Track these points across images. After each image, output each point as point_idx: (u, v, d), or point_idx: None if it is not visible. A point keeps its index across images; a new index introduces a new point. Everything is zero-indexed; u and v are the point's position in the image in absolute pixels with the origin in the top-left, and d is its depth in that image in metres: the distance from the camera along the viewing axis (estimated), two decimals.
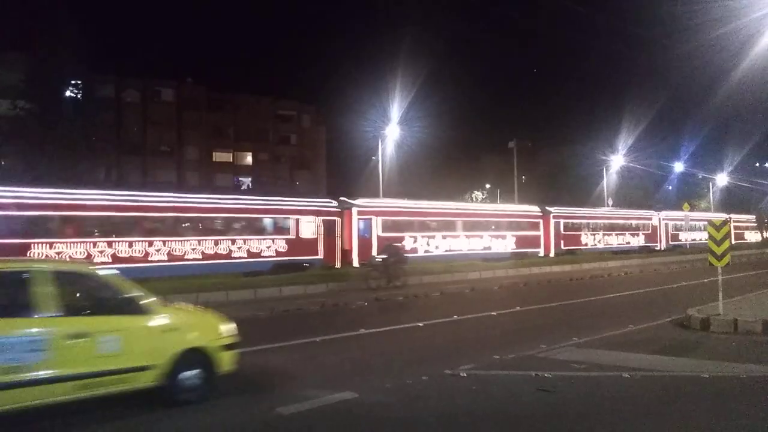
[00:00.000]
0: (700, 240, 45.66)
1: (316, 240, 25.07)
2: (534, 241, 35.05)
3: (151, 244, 20.56)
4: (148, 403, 6.47)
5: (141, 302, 6.47)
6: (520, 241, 33.93)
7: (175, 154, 58.21)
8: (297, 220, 24.59)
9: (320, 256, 25.14)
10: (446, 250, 30.11)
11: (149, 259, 20.27)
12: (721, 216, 43.69)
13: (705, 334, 10.43)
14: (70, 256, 18.67)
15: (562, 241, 36.68)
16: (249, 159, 62.53)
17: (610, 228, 41.24)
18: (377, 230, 27.38)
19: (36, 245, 18.21)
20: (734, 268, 20.24)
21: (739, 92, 43.44)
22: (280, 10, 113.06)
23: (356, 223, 27.06)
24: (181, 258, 20.99)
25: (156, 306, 6.60)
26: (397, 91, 39.07)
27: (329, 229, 25.77)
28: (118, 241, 19.94)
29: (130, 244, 20.11)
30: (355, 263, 26.17)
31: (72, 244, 18.94)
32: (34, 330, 5.63)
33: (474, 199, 69.49)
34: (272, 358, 9.12)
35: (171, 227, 21.54)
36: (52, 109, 31.89)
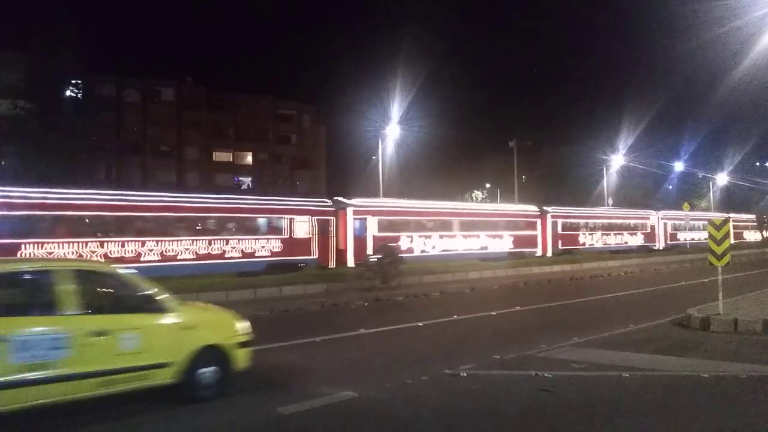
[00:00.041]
0: (699, 239, 45.69)
1: (310, 240, 24.97)
2: (531, 241, 34.96)
3: (143, 244, 20.44)
4: (147, 403, 6.49)
5: (159, 300, 6.62)
6: (518, 241, 33.81)
7: (175, 154, 58.23)
8: (291, 220, 24.48)
9: (314, 256, 25.03)
10: (442, 250, 30.01)
11: (141, 259, 20.13)
12: (720, 215, 43.64)
13: (705, 333, 10.41)
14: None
15: (559, 241, 36.60)
16: (249, 159, 62.53)
17: (608, 228, 41.16)
18: (373, 230, 27.26)
19: (26, 245, 18.05)
20: (734, 268, 20.23)
21: (739, 91, 43.43)
22: (280, 10, 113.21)
23: (351, 223, 26.91)
24: (174, 258, 20.83)
25: (174, 304, 6.74)
26: (397, 90, 39.11)
27: (324, 228, 25.66)
28: (110, 241, 19.79)
29: (122, 244, 20.00)
30: (351, 263, 26.01)
31: (62, 244, 18.74)
32: (57, 328, 5.75)
33: (474, 198, 69.57)
34: (272, 357, 9.12)
35: (163, 227, 21.39)
36: (52, 109, 31.94)
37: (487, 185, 73.05)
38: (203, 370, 6.65)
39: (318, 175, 64.83)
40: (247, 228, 23.60)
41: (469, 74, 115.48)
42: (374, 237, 26.84)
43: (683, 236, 46.36)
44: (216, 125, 59.77)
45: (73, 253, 18.74)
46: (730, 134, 67.72)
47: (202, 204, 22.84)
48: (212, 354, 6.75)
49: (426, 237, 29.67)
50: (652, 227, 44.58)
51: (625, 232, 42.30)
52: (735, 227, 48.55)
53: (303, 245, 24.72)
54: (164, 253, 20.77)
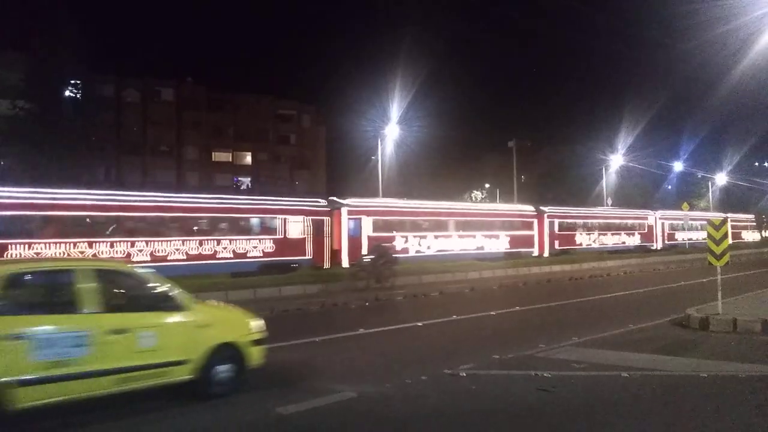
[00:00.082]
0: (697, 239, 45.68)
1: (304, 240, 24.84)
2: (528, 241, 34.86)
3: (133, 244, 20.29)
4: (145, 403, 6.50)
5: (176, 299, 6.76)
6: (514, 241, 33.73)
7: (174, 154, 58.20)
8: (284, 220, 24.34)
9: (308, 256, 24.88)
10: (438, 251, 29.90)
11: (131, 260, 19.90)
12: (718, 215, 43.65)
13: (704, 333, 10.43)
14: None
15: (556, 241, 36.50)
16: (249, 159, 62.50)
17: (606, 228, 41.09)
18: (367, 230, 27.14)
19: (13, 246, 17.89)
20: (733, 268, 20.26)
21: (738, 91, 43.54)
22: (280, 10, 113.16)
23: (346, 223, 26.77)
24: (165, 258, 20.59)
25: (191, 302, 6.89)
26: (396, 90, 39.09)
27: (318, 229, 25.50)
28: (99, 242, 19.61)
29: (111, 245, 19.81)
30: (345, 263, 25.85)
31: (51, 245, 18.55)
32: (78, 326, 5.89)
33: (474, 198, 69.55)
34: (272, 357, 9.07)
35: (154, 227, 21.26)
36: (52, 109, 31.89)
37: (487, 185, 73.01)
38: (219, 367, 6.79)
39: (318, 175, 64.80)
40: (240, 228, 23.45)
41: (469, 74, 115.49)
42: (369, 237, 26.73)
43: (681, 236, 46.36)
44: (216, 125, 59.75)
45: (62, 253, 18.53)
46: (730, 134, 67.85)
47: (193, 204, 22.68)
48: (227, 351, 6.89)
49: (421, 237, 29.55)
50: (650, 227, 44.54)
51: (622, 232, 42.26)
52: (733, 227, 48.53)
53: (297, 245, 24.57)
54: (154, 253, 20.59)
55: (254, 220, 24.14)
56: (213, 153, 60.31)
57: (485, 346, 9.86)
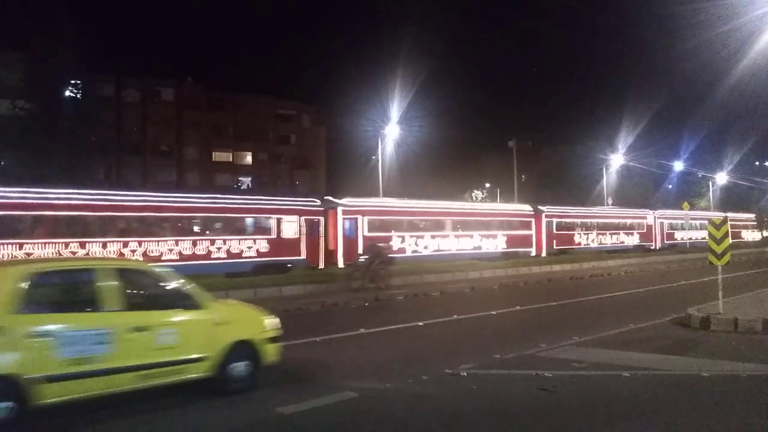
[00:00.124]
0: (696, 239, 45.63)
1: (298, 240, 24.62)
2: (526, 241, 34.69)
3: (125, 244, 20.05)
4: (145, 403, 6.48)
5: (195, 297, 6.92)
6: (512, 241, 33.56)
7: (175, 154, 58.24)
8: (278, 220, 24.11)
9: (303, 256, 24.64)
10: (435, 250, 29.73)
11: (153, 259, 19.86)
12: (718, 215, 43.60)
13: (705, 332, 10.42)
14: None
15: (554, 241, 36.37)
16: (249, 159, 62.52)
17: (604, 227, 40.95)
18: (363, 230, 26.94)
19: (1, 246, 17.68)
20: (734, 267, 20.23)
21: (739, 90, 43.51)
22: (280, 10, 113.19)
23: (341, 223, 26.55)
24: (158, 259, 20.28)
25: (208, 301, 7.05)
26: (396, 90, 39.09)
27: (312, 228, 25.28)
28: (91, 242, 19.33)
29: (104, 245, 19.53)
30: (340, 264, 25.56)
31: (42, 245, 18.31)
32: (101, 324, 6.02)
33: (474, 198, 69.54)
34: None
35: (147, 227, 21.06)
36: (52, 109, 31.91)
37: (487, 185, 73.04)
38: (236, 364, 6.90)
39: (318, 175, 64.83)
40: (234, 228, 23.22)
41: (469, 74, 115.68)
42: (365, 237, 26.48)
43: (680, 235, 46.29)
44: (216, 125, 59.79)
45: (53, 253, 18.28)
46: (730, 133, 67.79)
47: (186, 204, 22.47)
48: (244, 349, 7.00)
49: (418, 237, 29.40)
50: (649, 227, 44.45)
51: (621, 232, 42.15)
52: (732, 227, 48.44)
53: (291, 245, 24.35)
54: (147, 253, 20.32)
55: (248, 220, 23.92)
56: (213, 153, 60.36)
57: (486, 346, 9.85)
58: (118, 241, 19.97)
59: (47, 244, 18.47)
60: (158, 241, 20.89)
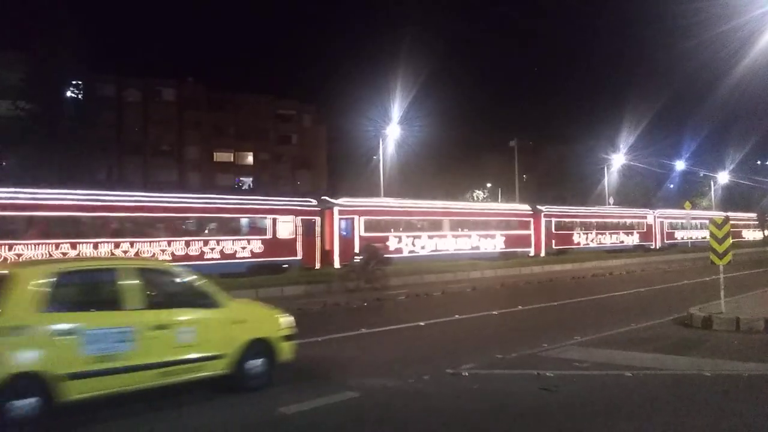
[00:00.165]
0: (696, 238, 45.55)
1: (294, 240, 24.46)
2: (524, 241, 34.52)
3: (117, 245, 19.87)
4: (145, 403, 6.47)
5: (213, 296, 7.10)
6: (510, 241, 33.37)
7: (176, 154, 58.23)
8: (274, 220, 23.97)
9: (298, 257, 24.49)
10: (432, 250, 29.55)
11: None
12: (718, 214, 43.50)
13: (707, 332, 10.40)
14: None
15: (553, 241, 36.20)
16: (250, 159, 62.51)
17: (604, 227, 40.75)
18: (360, 230, 26.75)
19: None
20: (736, 267, 20.17)
21: (740, 89, 43.43)
22: (280, 10, 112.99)
23: (337, 223, 26.38)
24: None
25: (226, 299, 7.21)
26: (397, 90, 39.12)
27: (308, 229, 25.11)
28: (82, 243, 19.15)
29: (95, 246, 19.34)
30: (337, 264, 25.40)
31: (32, 246, 18.20)
32: (123, 322, 6.18)
33: (476, 198, 69.50)
34: None
35: (139, 228, 20.96)
36: (53, 109, 31.92)
37: (488, 184, 72.97)
38: (252, 361, 7.07)
39: (319, 174, 64.79)
40: (228, 228, 23.10)
41: (470, 74, 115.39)
42: (361, 237, 26.29)
43: (681, 235, 46.19)
44: (217, 125, 59.77)
45: (46, 254, 18.18)
46: (731, 132, 67.77)
47: (179, 204, 22.36)
48: (260, 347, 7.17)
49: (415, 237, 29.22)
50: (649, 226, 44.31)
51: (620, 232, 41.98)
52: (733, 226, 48.27)
53: (287, 246, 24.19)
54: (140, 254, 20.13)
55: (243, 221, 23.79)
56: (214, 153, 60.36)
57: (488, 346, 9.83)
58: (109, 242, 19.77)
59: (38, 245, 18.34)
60: (150, 242, 20.74)
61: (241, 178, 61.37)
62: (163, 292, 7.07)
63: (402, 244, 28.49)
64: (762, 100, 53.52)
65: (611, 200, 53.76)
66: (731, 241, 11.49)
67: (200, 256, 21.67)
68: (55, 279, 6.03)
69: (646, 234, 43.88)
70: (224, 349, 6.85)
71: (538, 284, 21.70)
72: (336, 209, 26.64)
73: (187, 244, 21.64)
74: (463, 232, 31.59)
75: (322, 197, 27.57)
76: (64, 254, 18.48)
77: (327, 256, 25.99)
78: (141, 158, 56.08)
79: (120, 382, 6.06)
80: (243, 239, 23.21)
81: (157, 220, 21.50)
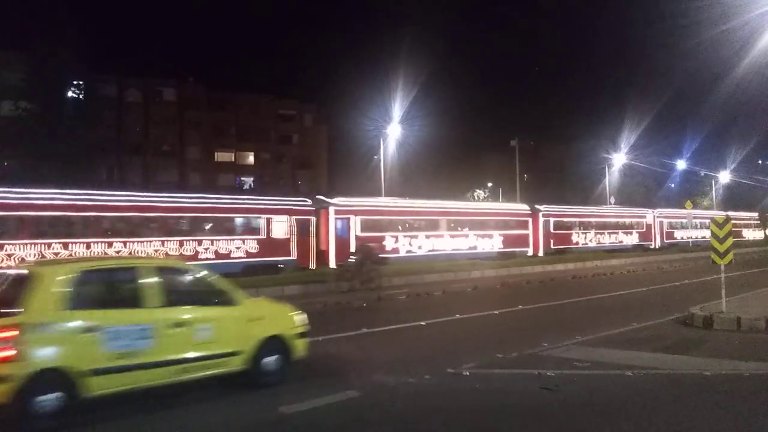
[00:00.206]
0: (696, 238, 45.47)
1: (288, 240, 24.38)
2: (522, 240, 34.42)
3: (110, 245, 19.82)
4: (145, 403, 6.47)
5: (230, 294, 7.22)
6: (508, 241, 33.21)
7: (176, 154, 58.22)
8: (268, 220, 23.90)
9: (293, 257, 24.41)
10: (429, 250, 29.40)
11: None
12: (719, 214, 43.44)
13: (708, 331, 10.39)
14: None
15: (551, 240, 36.03)
16: (251, 159, 62.51)
17: (603, 226, 40.59)
18: (356, 230, 26.57)
19: None
20: (737, 266, 20.18)
21: (741, 89, 43.42)
22: (280, 10, 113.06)
23: (333, 223, 26.20)
24: None
25: (242, 297, 7.36)
26: (398, 90, 39.13)
27: (303, 228, 24.99)
28: (75, 243, 19.12)
29: (88, 246, 19.31)
30: (332, 264, 25.13)
31: (24, 246, 18.15)
32: (144, 319, 6.31)
33: (476, 197, 69.49)
34: None
35: (132, 228, 20.89)
36: (54, 109, 31.91)
37: (489, 184, 72.98)
38: (268, 358, 7.20)
39: (320, 174, 64.78)
40: (222, 228, 23.02)
41: (469, 74, 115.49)
42: (358, 237, 26.08)
43: (680, 234, 46.10)
44: (217, 125, 59.77)
45: (36, 254, 18.14)
46: (733, 132, 67.74)
47: (173, 204, 22.26)
48: (275, 344, 7.31)
49: (412, 237, 29.07)
50: (648, 226, 44.18)
51: (620, 231, 41.82)
52: (734, 225, 48.14)
53: (281, 246, 24.10)
54: (133, 254, 20.00)
55: (237, 220, 23.71)
56: (215, 153, 60.35)
57: (488, 345, 9.83)
58: (102, 242, 19.73)
59: (29, 245, 18.30)
60: (143, 242, 20.66)
61: (241, 178, 61.37)
62: (182, 290, 7.19)
63: (399, 244, 28.36)
64: (763, 99, 53.57)
65: (612, 200, 53.73)
66: (732, 240, 11.47)
67: (194, 256, 21.51)
68: (77, 277, 6.18)
69: (646, 233, 43.77)
70: (241, 346, 6.97)
71: (539, 284, 21.68)
72: (332, 209, 26.49)
73: (181, 243, 21.55)
74: (461, 231, 31.46)
75: (318, 197, 27.42)
76: (56, 254, 18.44)
77: (323, 256, 25.86)
78: (141, 158, 56.08)
79: (140, 379, 6.19)
80: (237, 239, 23.16)
81: (150, 220, 21.41)
